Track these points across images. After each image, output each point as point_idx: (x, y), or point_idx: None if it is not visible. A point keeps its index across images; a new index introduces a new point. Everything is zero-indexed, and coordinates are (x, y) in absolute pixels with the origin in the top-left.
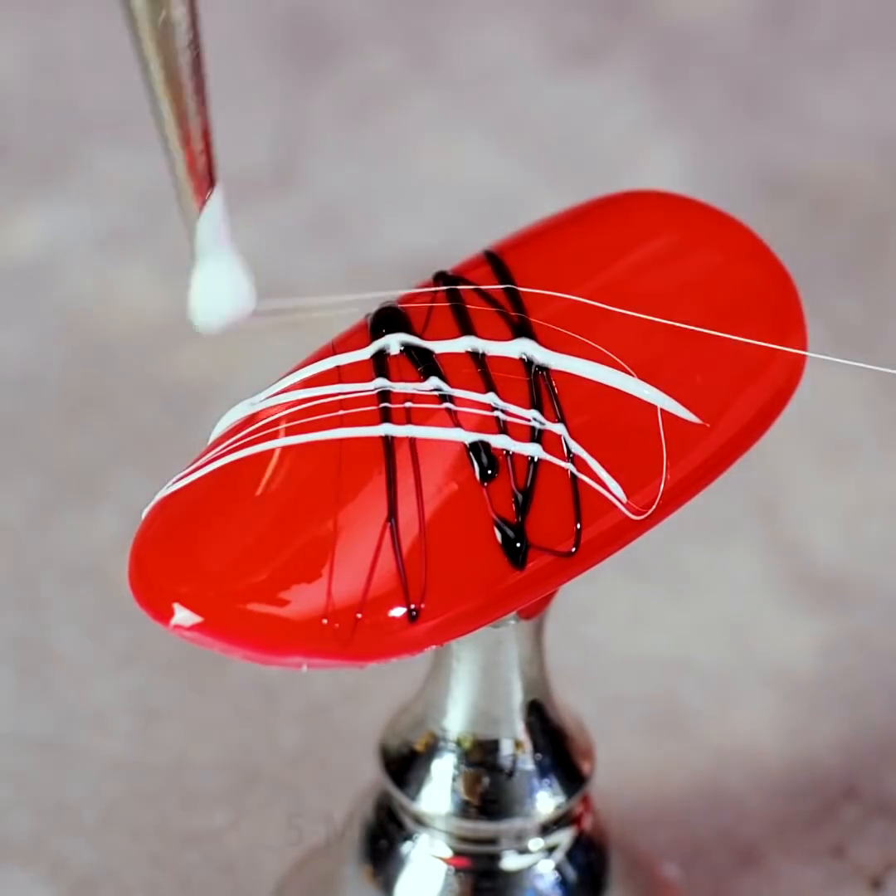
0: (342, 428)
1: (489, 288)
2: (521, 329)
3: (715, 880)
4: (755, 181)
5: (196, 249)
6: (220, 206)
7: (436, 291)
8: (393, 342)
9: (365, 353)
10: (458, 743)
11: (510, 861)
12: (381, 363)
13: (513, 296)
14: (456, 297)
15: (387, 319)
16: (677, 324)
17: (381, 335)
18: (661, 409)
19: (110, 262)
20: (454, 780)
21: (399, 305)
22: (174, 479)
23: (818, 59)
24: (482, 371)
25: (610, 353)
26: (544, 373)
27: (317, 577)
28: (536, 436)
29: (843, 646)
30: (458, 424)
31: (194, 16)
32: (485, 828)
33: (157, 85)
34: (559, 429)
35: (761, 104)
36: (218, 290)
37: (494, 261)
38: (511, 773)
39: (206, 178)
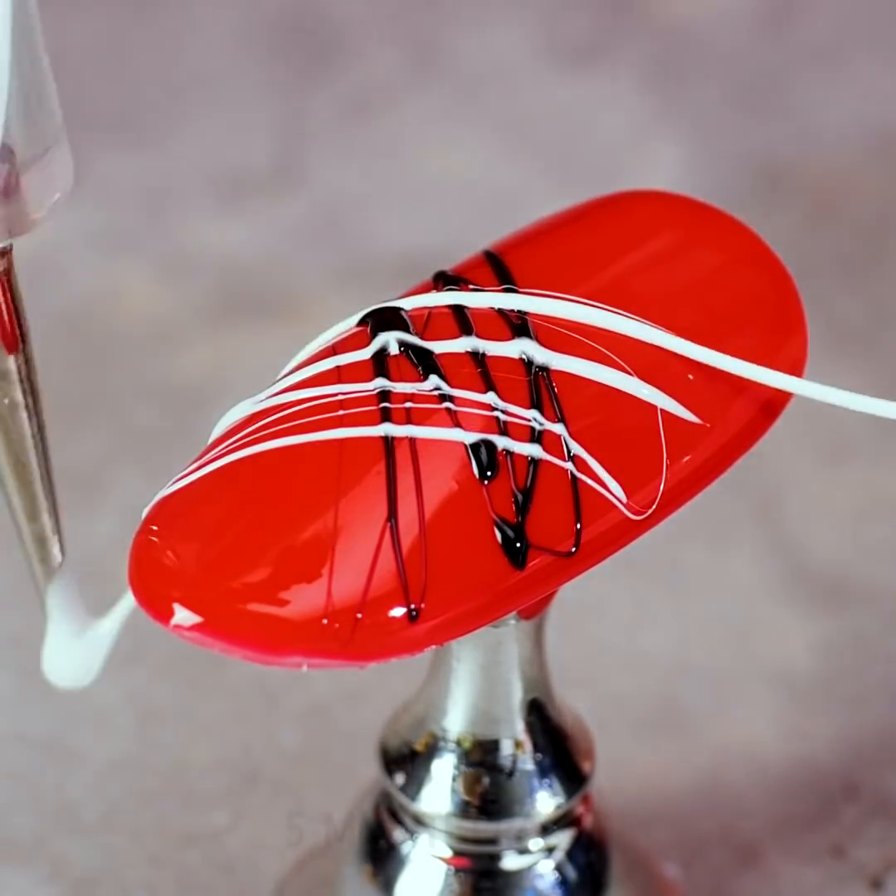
0: (342, 428)
1: (489, 288)
2: (521, 329)
3: (715, 880)
4: (755, 181)
5: (49, 612)
6: (71, 579)
7: (436, 292)
8: (392, 342)
9: (365, 354)
10: (458, 743)
11: (510, 861)
12: (380, 363)
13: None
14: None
15: (386, 320)
16: (672, 333)
17: (380, 335)
18: (661, 410)
19: (111, 261)
20: (454, 780)
21: (398, 305)
22: (174, 479)
23: (818, 59)
24: (482, 371)
25: (610, 354)
26: (544, 373)
27: (317, 577)
28: (536, 436)
29: (842, 646)
30: (458, 424)
31: (35, 399)
32: (485, 828)
33: (4, 467)
34: (559, 429)
35: (761, 104)
36: (63, 658)
37: (494, 261)
38: (511, 773)
39: (55, 556)
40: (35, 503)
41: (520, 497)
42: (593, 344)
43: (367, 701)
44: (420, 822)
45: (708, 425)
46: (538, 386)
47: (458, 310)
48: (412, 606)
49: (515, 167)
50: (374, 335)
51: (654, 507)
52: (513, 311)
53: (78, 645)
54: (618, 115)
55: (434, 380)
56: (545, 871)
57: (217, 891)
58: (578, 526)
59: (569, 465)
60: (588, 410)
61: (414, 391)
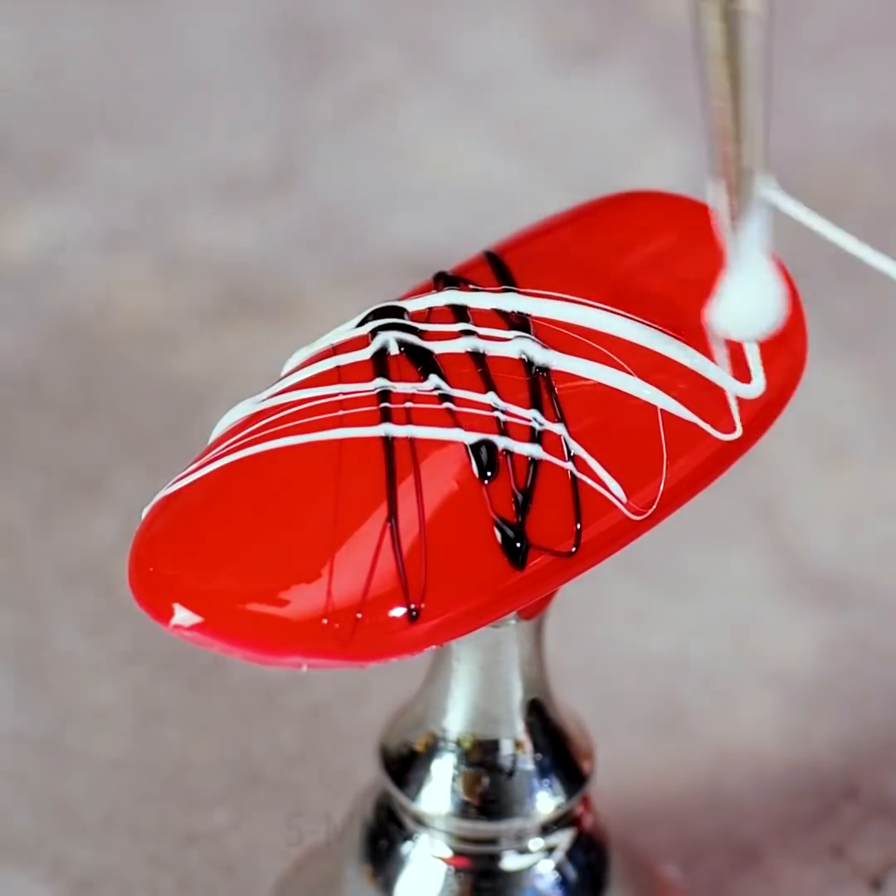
0: (342, 428)
1: (489, 288)
2: (521, 329)
3: (715, 880)
4: None
5: (737, 253)
6: (766, 211)
7: (436, 292)
8: (392, 342)
9: (365, 354)
10: (458, 743)
11: (510, 861)
12: (381, 363)
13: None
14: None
15: (387, 320)
16: (673, 334)
17: (380, 335)
18: (661, 410)
19: (110, 262)
20: (454, 780)
21: (399, 305)
22: (174, 479)
23: (818, 58)
24: (482, 371)
25: (610, 354)
26: (544, 373)
27: (317, 577)
28: (536, 436)
29: (843, 646)
30: (458, 424)
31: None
32: (485, 828)
33: (724, 76)
34: (559, 429)
35: None
36: (756, 302)
37: (494, 261)
38: (511, 773)
39: (755, 175)
40: (740, 121)
41: (520, 497)
42: (593, 344)
43: (367, 701)
44: (420, 822)
45: (708, 425)
46: (538, 386)
47: (459, 310)
48: (412, 606)
49: (516, 167)
50: (374, 335)
51: (654, 507)
52: (513, 311)
53: (764, 289)
54: (618, 115)
55: (434, 380)
56: (545, 871)
57: (217, 891)
58: (578, 526)
59: (569, 465)
60: (588, 410)
61: (414, 391)
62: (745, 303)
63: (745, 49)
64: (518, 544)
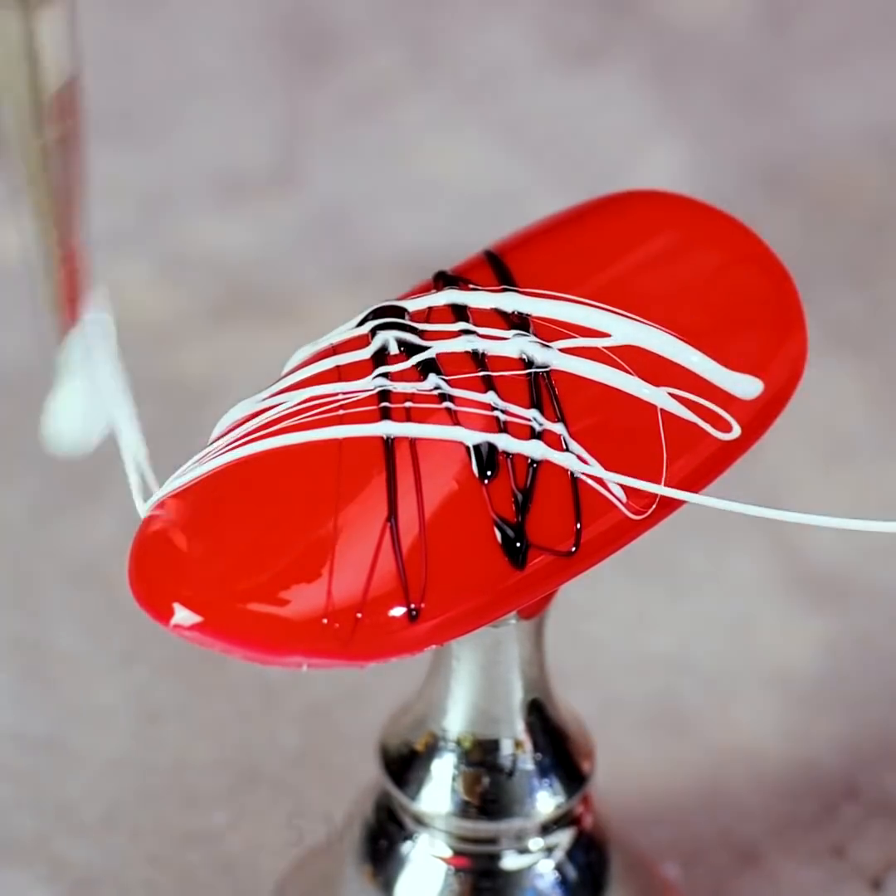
0: (342, 427)
1: (489, 288)
2: (521, 328)
3: (715, 880)
4: (755, 181)
5: (66, 368)
6: (101, 326)
7: (436, 291)
8: (392, 342)
9: (365, 353)
10: (458, 743)
11: (510, 861)
12: (380, 363)
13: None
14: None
15: (387, 319)
16: (673, 334)
17: (380, 335)
18: (661, 409)
19: (111, 262)
20: (454, 780)
21: (399, 305)
22: (173, 478)
23: (818, 59)
24: (482, 371)
25: (610, 353)
26: (544, 373)
27: (317, 577)
28: (536, 435)
29: (843, 646)
30: (457, 424)
31: (76, 139)
32: (485, 828)
33: (42, 199)
34: (559, 428)
35: (761, 104)
36: (71, 416)
37: (494, 261)
38: (511, 773)
39: (82, 294)
40: (67, 243)
41: (520, 497)
42: (593, 343)
43: (367, 701)
44: (420, 822)
45: (708, 425)
46: (538, 386)
47: (459, 309)
48: (412, 606)
49: (516, 167)
50: (374, 335)
51: (654, 507)
52: (513, 310)
53: (91, 403)
54: (618, 115)
55: (434, 379)
56: (545, 871)
57: (217, 891)
58: (578, 526)
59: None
60: (588, 410)
61: (414, 391)
62: (66, 418)
63: (71, 173)
64: (518, 544)
